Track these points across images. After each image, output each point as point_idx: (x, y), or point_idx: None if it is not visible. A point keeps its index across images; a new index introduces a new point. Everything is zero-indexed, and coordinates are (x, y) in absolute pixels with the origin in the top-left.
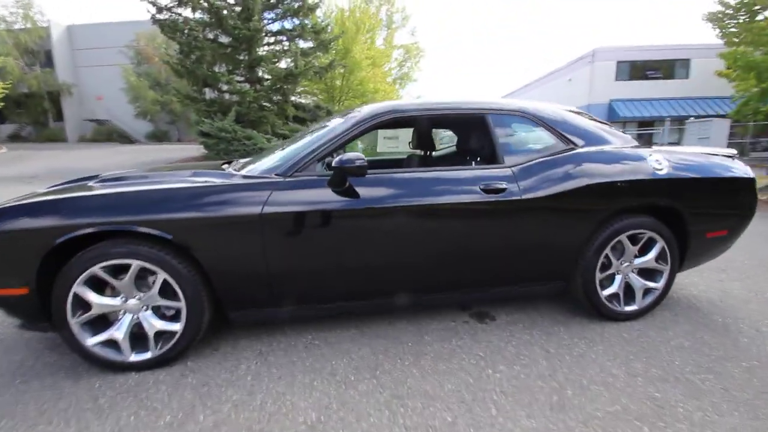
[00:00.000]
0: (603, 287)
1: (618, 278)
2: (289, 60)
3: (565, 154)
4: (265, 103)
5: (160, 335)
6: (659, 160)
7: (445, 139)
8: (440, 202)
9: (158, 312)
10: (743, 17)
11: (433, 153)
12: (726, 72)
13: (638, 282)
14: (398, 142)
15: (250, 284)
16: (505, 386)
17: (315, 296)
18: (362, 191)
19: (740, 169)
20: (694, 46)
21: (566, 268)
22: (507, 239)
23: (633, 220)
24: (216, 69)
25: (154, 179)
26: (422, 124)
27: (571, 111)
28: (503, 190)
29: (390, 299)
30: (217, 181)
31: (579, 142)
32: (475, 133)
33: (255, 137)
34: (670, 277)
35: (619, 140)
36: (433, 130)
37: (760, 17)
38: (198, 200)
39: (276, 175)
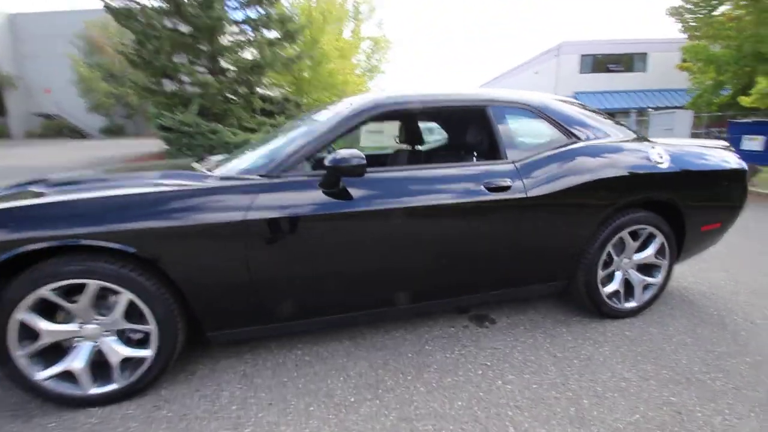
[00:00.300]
0: (604, 285)
1: (618, 275)
2: (254, 50)
3: (569, 147)
4: (230, 96)
5: (128, 363)
6: (660, 154)
7: (429, 133)
8: (444, 202)
9: (124, 337)
10: (703, 12)
11: (420, 147)
12: (687, 65)
13: (637, 278)
14: (383, 137)
15: (232, 300)
16: (519, 399)
17: (306, 310)
18: (358, 192)
19: (734, 160)
20: (651, 41)
21: (570, 266)
22: (513, 240)
23: (635, 216)
24: (176, 59)
25: (115, 182)
26: (417, 116)
27: (571, 102)
28: (508, 187)
29: (391, 308)
30: (190, 183)
31: (581, 135)
32: (475, 126)
33: (220, 131)
34: (668, 272)
35: (620, 132)
36: (419, 123)
37: (718, 12)
38: (167, 207)
39: (260, 175)
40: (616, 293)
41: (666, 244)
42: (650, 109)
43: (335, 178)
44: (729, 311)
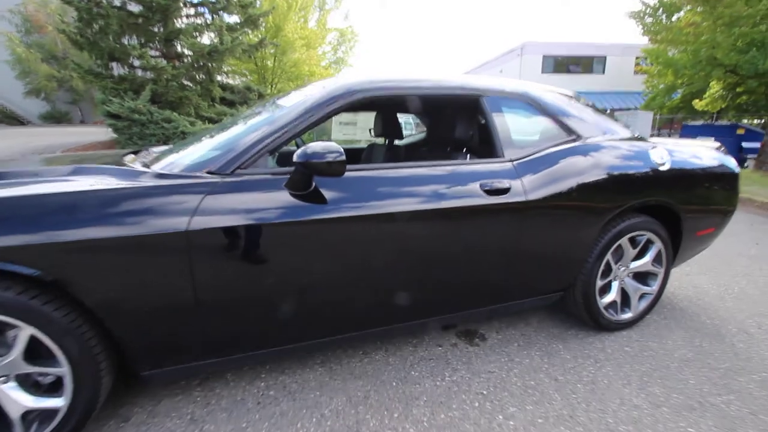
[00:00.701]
0: (601, 295)
1: (615, 284)
2: (213, 35)
3: (571, 145)
4: (186, 82)
5: (33, 416)
6: (661, 154)
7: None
8: (435, 206)
9: (29, 383)
10: (661, 16)
11: (398, 142)
12: (646, 68)
13: (633, 287)
14: (356, 129)
15: (173, 330)
16: None
17: (268, 337)
18: (333, 195)
19: (730, 162)
20: (609, 45)
21: (568, 277)
22: (511, 249)
23: (635, 221)
24: (125, 41)
25: (14, 179)
26: (399, 106)
27: (570, 95)
28: (507, 190)
29: (369, 329)
30: (113, 182)
31: (582, 131)
32: (466, 118)
33: (176, 120)
34: (664, 280)
35: (621, 130)
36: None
37: (675, 17)
38: (80, 214)
39: (210, 173)
40: (612, 304)
41: (663, 251)
42: (608, 110)
43: (306, 178)
44: (722, 320)
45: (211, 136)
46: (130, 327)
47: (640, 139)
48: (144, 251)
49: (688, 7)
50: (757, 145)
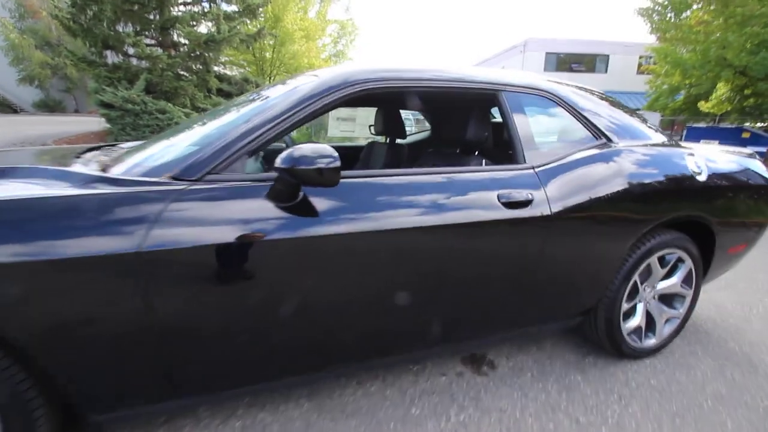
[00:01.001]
0: (625, 320)
1: (639, 307)
2: (210, 24)
3: (601, 151)
4: (182, 72)
5: None
6: (698, 163)
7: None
8: (449, 221)
9: None
10: (669, 15)
11: (400, 141)
12: (652, 67)
13: (660, 310)
14: (355, 125)
15: (126, 367)
16: None
17: (244, 374)
18: (325, 206)
19: (764, 171)
20: (612, 43)
21: (591, 300)
22: (532, 269)
23: (667, 238)
24: (120, 29)
25: None
26: (405, 100)
27: (597, 93)
28: (529, 202)
29: (363, 363)
30: (43, 190)
31: (613, 135)
32: (479, 116)
33: (171, 110)
34: (692, 302)
35: (653, 133)
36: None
37: (685, 15)
38: (3, 228)
39: (173, 178)
40: (637, 329)
41: (694, 271)
42: None
43: (291, 188)
44: (750, 345)
45: (181, 133)
46: (72, 365)
47: (675, 144)
48: (83, 276)
49: (699, 5)
50: (763, 149)
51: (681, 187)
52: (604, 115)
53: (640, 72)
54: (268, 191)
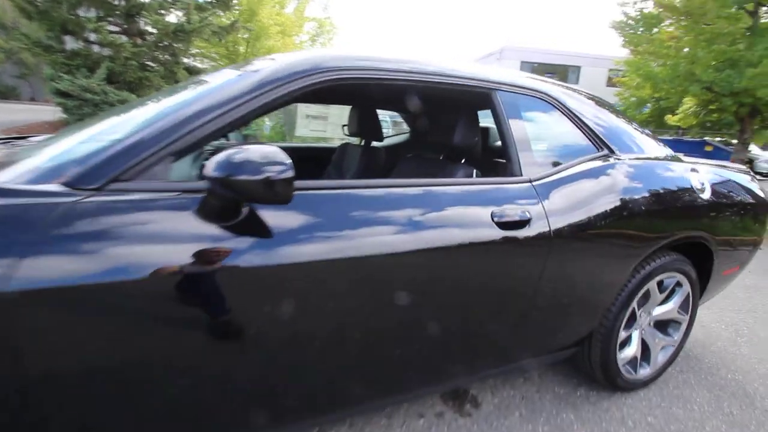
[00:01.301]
0: (620, 349)
1: (635, 336)
2: (180, 13)
3: (604, 163)
4: (148, 62)
5: None
6: (701, 179)
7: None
8: (430, 245)
9: None
10: (641, 29)
11: (376, 144)
12: (623, 80)
13: (655, 338)
14: (327, 124)
15: None
16: None
17: None
18: (277, 224)
19: (759, 189)
20: (584, 55)
21: (585, 330)
22: (527, 298)
23: (667, 260)
24: (81, 13)
25: None
26: (383, 96)
27: (600, 101)
28: (527, 221)
29: (325, 416)
30: None
31: (615, 146)
32: (468, 118)
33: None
34: (688, 329)
35: (654, 145)
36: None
37: (657, 30)
38: None
39: (66, 185)
40: (632, 360)
41: (691, 296)
42: None
43: (229, 203)
44: (743, 374)
45: (87, 128)
46: None
47: (677, 159)
48: None
49: (670, 21)
50: (724, 162)
51: (686, 204)
52: (606, 123)
53: (609, 84)
54: (199, 206)
